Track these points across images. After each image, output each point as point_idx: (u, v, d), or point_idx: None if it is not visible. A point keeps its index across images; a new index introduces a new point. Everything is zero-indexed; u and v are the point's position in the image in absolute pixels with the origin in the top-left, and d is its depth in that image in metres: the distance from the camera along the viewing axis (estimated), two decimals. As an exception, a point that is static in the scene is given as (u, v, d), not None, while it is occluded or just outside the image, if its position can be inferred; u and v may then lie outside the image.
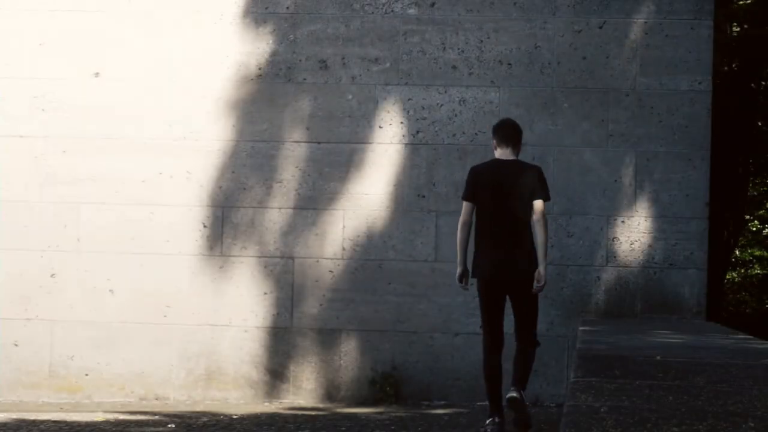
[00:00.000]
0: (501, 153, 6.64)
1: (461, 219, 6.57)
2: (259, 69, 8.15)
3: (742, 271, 17.79)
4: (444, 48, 8.04)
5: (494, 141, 6.70)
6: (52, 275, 8.18)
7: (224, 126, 8.16)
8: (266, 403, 7.98)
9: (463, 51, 8.02)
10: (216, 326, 8.10)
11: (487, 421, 6.55)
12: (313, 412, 7.57)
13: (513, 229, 6.49)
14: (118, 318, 8.13)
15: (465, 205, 6.58)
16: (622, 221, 7.88)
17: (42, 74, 8.24)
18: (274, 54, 8.15)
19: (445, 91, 8.03)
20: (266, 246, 8.11)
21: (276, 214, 8.11)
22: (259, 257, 8.10)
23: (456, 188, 7.92)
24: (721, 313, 11.90)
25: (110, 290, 8.14)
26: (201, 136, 8.16)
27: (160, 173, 8.16)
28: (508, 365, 6.56)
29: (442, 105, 8.03)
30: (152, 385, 8.11)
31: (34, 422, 7.06)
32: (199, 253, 8.13)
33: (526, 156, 7.88)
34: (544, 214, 6.46)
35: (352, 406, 7.82)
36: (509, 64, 8.00)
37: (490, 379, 6.54)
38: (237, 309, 8.10)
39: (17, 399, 8.06)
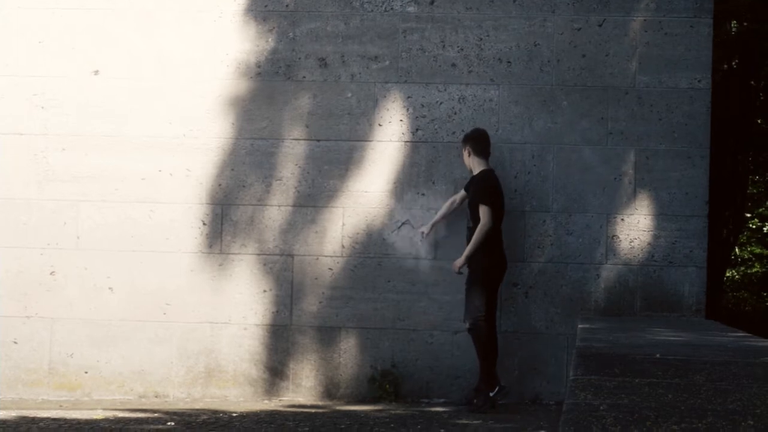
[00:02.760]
0: (487, 164, 7.69)
1: (494, 224, 7.55)
2: (259, 67, 8.15)
3: (742, 269, 17.80)
4: (443, 46, 8.03)
5: (476, 149, 7.67)
6: (51, 273, 8.18)
7: (224, 124, 8.16)
8: (266, 401, 7.98)
9: (462, 49, 8.02)
10: (215, 324, 8.10)
11: (499, 388, 7.47)
12: (313, 410, 7.58)
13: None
14: (118, 315, 8.13)
15: (493, 212, 7.55)
16: (622, 219, 7.88)
17: (41, 72, 8.24)
18: (273, 52, 8.15)
19: (445, 89, 8.03)
20: (266, 243, 8.11)
21: (275, 212, 8.11)
22: (259, 255, 8.11)
23: (456, 186, 7.93)
24: (720, 311, 11.92)
25: (110, 288, 8.14)
26: (200, 134, 8.16)
27: (160, 171, 8.16)
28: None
29: (441, 103, 8.03)
30: (152, 383, 8.11)
31: (33, 420, 7.07)
32: (199, 251, 8.13)
33: (526, 154, 7.90)
34: None
35: (351, 404, 7.82)
36: (509, 61, 8.00)
37: (495, 356, 7.59)
38: (236, 306, 8.10)
39: (17, 396, 8.06)
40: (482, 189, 7.56)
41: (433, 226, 7.89)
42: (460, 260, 7.60)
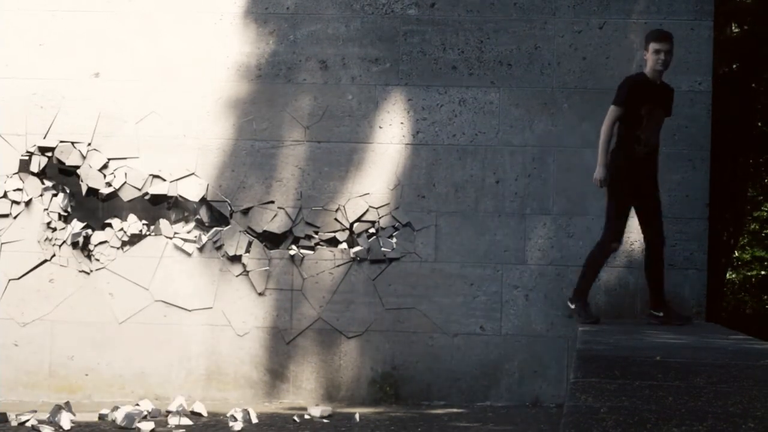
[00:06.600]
0: None
1: None
2: (259, 69, 8.15)
3: (742, 271, 17.78)
4: (444, 48, 8.04)
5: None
6: (51, 276, 8.17)
7: (224, 125, 8.16)
8: (266, 403, 7.98)
9: (463, 51, 8.02)
10: (216, 326, 8.10)
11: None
12: (313, 412, 7.57)
13: None
14: (118, 318, 8.13)
15: None
16: (622, 222, 7.86)
17: (42, 74, 8.24)
18: (274, 54, 8.15)
19: (445, 92, 8.03)
20: (266, 246, 8.11)
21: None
22: (259, 258, 8.10)
23: (456, 188, 7.93)
24: (720, 314, 11.90)
25: (110, 290, 8.13)
26: (201, 135, 8.16)
27: (160, 171, 8.16)
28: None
29: (442, 105, 8.03)
30: (152, 385, 8.11)
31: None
32: (200, 253, 8.12)
33: (526, 157, 7.90)
34: None
35: (352, 406, 7.82)
36: (509, 64, 8.00)
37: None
38: (237, 309, 8.10)
39: (17, 399, 8.05)
40: None
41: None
42: None
